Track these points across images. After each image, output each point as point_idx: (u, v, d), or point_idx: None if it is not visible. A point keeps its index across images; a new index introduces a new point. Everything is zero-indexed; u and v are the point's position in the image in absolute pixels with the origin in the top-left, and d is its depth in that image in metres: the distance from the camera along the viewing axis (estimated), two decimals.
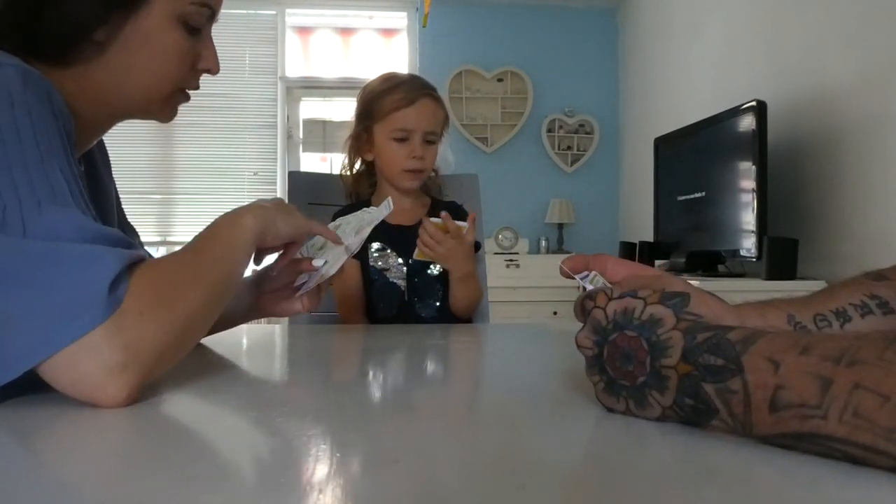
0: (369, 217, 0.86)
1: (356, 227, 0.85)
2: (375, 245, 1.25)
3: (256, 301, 0.83)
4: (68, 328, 0.48)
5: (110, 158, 0.91)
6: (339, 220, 0.89)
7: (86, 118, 0.69)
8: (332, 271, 0.80)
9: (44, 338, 0.48)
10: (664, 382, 0.41)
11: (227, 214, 0.67)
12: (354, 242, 0.83)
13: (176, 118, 0.77)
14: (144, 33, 0.67)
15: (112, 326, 0.49)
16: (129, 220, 0.92)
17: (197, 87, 0.76)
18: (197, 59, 0.73)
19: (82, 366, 0.48)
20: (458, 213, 1.27)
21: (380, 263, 1.25)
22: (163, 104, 0.73)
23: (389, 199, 0.89)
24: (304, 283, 0.82)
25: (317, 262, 0.80)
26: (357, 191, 1.34)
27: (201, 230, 0.65)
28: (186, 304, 0.55)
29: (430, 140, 1.25)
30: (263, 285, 0.83)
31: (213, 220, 0.66)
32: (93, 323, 0.48)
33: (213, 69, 0.75)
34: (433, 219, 1.17)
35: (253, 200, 0.72)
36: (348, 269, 1.17)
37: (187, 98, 0.76)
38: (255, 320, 0.88)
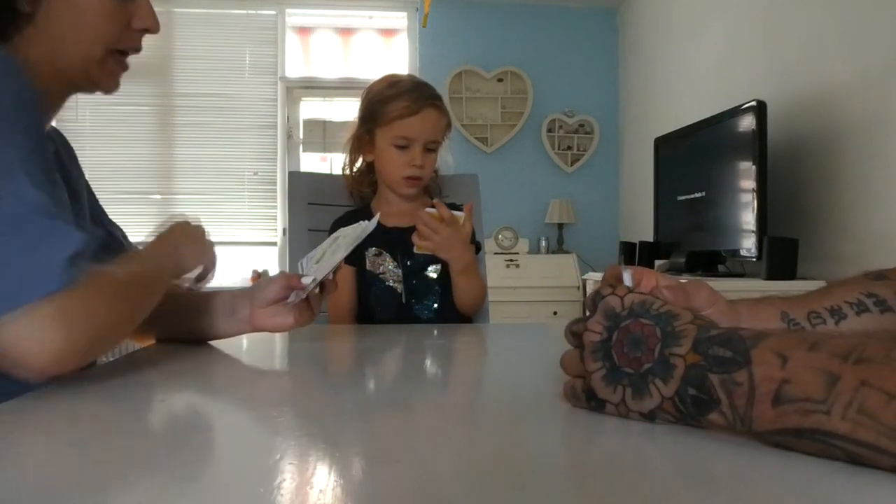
0: (360, 231, 0.88)
1: (352, 241, 0.87)
2: (372, 250, 1.24)
3: (250, 316, 0.83)
4: (20, 294, 0.50)
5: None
6: (338, 232, 0.90)
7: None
8: (310, 288, 0.83)
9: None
10: (670, 371, 0.41)
11: (165, 239, 0.76)
12: (340, 258, 0.86)
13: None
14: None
15: (60, 302, 0.51)
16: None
17: (138, 49, 0.77)
18: (130, 19, 0.74)
19: (22, 331, 0.49)
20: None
21: (377, 268, 1.25)
22: (100, 69, 0.74)
23: (378, 215, 0.91)
24: (293, 300, 0.84)
25: (305, 280, 0.82)
26: (359, 190, 1.34)
27: (149, 245, 0.74)
28: (129, 306, 0.62)
29: (431, 148, 1.25)
30: (256, 300, 0.83)
31: (154, 240, 0.75)
32: (44, 290, 0.50)
33: (152, 27, 0.76)
34: (428, 209, 1.17)
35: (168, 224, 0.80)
36: (339, 274, 1.18)
37: (125, 65, 0.77)
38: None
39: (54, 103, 0.76)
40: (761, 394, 0.37)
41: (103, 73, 0.74)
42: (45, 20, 0.68)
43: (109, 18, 0.72)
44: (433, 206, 1.17)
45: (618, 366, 0.44)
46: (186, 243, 0.79)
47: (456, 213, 1.18)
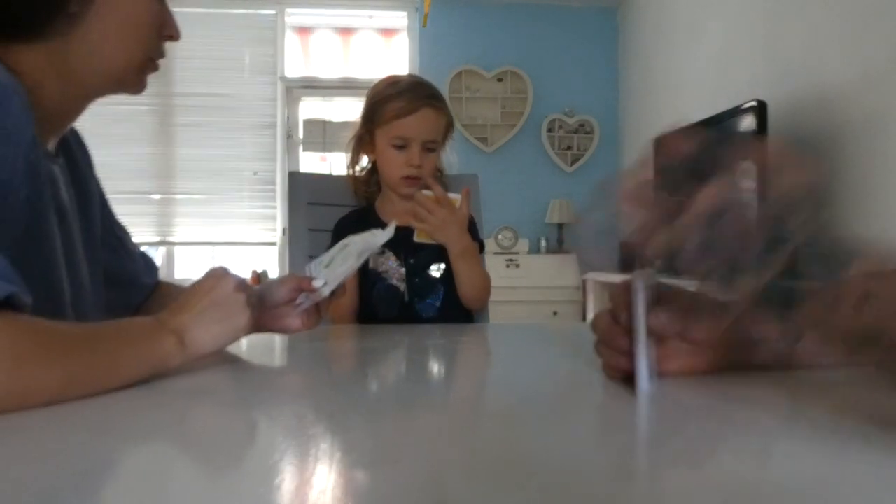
0: (373, 241, 0.88)
1: (361, 249, 0.86)
2: None
3: (257, 317, 0.83)
4: None
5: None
6: (347, 239, 0.90)
7: (56, 98, 0.68)
8: (326, 293, 0.83)
9: None
10: (771, 257, 0.41)
11: (160, 319, 0.62)
12: (354, 266, 0.86)
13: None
14: (116, 1, 0.68)
15: None
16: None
17: (163, 56, 0.76)
18: (162, 27, 0.74)
19: None
20: None
21: (379, 266, 1.25)
22: (137, 74, 0.73)
23: (394, 223, 0.91)
24: (302, 302, 0.83)
25: (316, 283, 0.82)
26: (366, 191, 1.35)
27: (120, 323, 0.60)
28: (47, 376, 0.48)
29: (430, 148, 1.25)
30: (264, 302, 0.83)
31: (132, 322, 0.61)
32: None
33: (176, 35, 0.76)
34: (424, 191, 1.19)
35: (206, 287, 0.66)
36: None
37: (156, 68, 0.76)
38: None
39: (71, 111, 0.75)
40: (848, 295, 0.38)
41: (138, 77, 0.74)
42: (91, 23, 0.67)
43: (153, 25, 0.71)
44: (429, 189, 1.19)
45: (719, 237, 0.41)
46: (206, 322, 0.65)
47: (452, 195, 1.19)
